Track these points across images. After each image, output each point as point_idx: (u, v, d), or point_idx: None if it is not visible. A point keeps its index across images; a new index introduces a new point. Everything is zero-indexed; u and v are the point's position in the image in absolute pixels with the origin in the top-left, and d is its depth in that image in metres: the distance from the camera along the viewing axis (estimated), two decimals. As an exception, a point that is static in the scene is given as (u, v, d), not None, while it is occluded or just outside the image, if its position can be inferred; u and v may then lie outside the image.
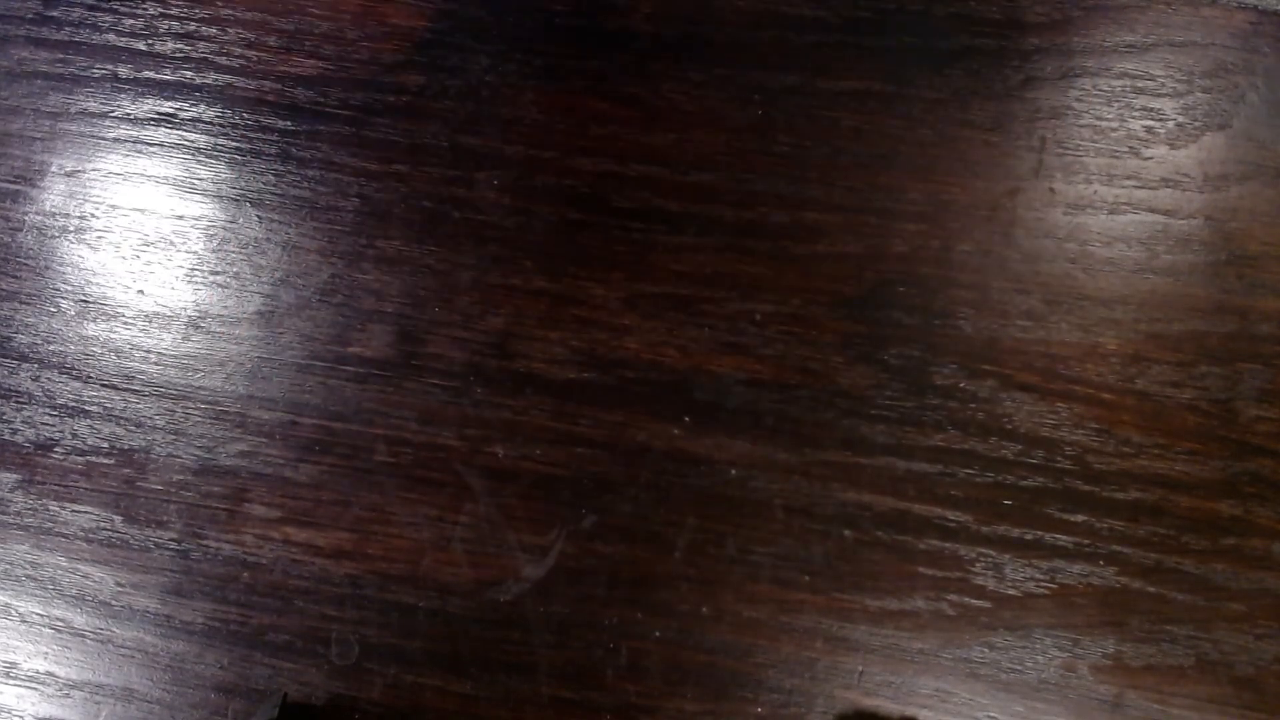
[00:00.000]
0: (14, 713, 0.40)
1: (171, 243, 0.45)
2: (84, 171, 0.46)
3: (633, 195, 0.45)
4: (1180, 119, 0.46)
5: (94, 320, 0.44)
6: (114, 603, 0.40)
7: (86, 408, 0.43)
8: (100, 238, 0.45)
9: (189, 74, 0.47)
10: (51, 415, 0.43)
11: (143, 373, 0.43)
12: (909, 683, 0.40)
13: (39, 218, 0.45)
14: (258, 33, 0.47)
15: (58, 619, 0.40)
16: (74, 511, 0.41)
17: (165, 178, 0.46)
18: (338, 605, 0.40)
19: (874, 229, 0.44)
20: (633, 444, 0.42)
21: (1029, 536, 0.41)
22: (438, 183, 0.45)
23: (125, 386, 0.43)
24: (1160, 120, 0.46)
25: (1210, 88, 0.46)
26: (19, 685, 0.40)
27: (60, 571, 0.41)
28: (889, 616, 0.40)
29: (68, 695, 0.40)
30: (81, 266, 0.45)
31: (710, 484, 0.42)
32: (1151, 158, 0.45)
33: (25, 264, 0.45)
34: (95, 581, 0.41)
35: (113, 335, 0.44)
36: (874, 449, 0.42)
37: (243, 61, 0.47)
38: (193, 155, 0.46)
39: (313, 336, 0.43)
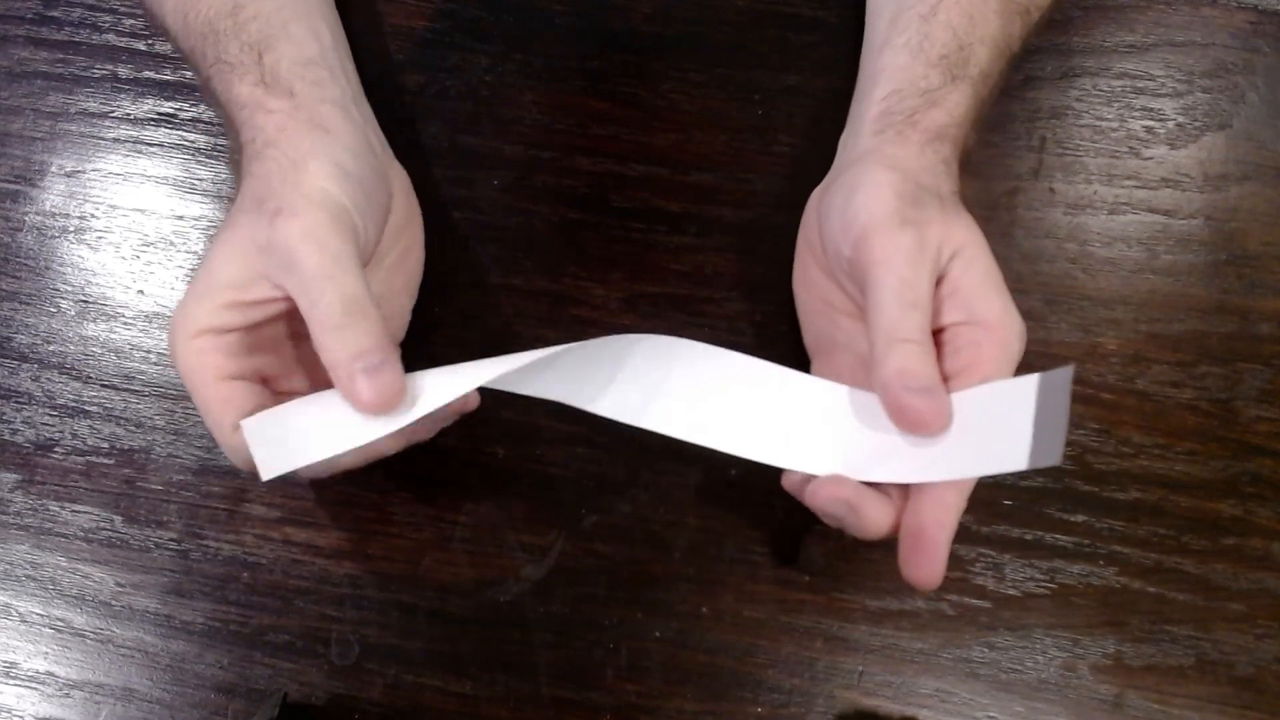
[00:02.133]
0: (14, 713, 0.40)
1: (171, 243, 0.45)
2: (84, 171, 0.46)
3: (633, 195, 0.45)
4: (1180, 119, 0.46)
5: (94, 320, 0.44)
6: (114, 603, 0.40)
7: (86, 408, 0.43)
8: (100, 238, 0.45)
9: (189, 74, 0.47)
10: (51, 415, 0.43)
11: (143, 373, 0.43)
12: (909, 683, 0.40)
13: (39, 218, 0.45)
14: (258, 33, 0.47)
15: (58, 619, 0.40)
16: (74, 511, 0.41)
17: (165, 178, 0.46)
18: (338, 605, 0.40)
19: (874, 229, 0.44)
20: (633, 444, 0.42)
21: (1029, 536, 0.41)
22: (438, 183, 0.45)
23: (125, 386, 0.43)
24: (1160, 120, 0.46)
25: (1210, 88, 0.46)
26: (19, 685, 0.40)
27: (60, 571, 0.41)
28: (889, 616, 0.40)
29: (68, 695, 0.40)
30: (81, 266, 0.45)
31: (710, 484, 0.42)
32: (1151, 158, 0.45)
33: (25, 264, 0.45)
34: (95, 581, 0.41)
35: (113, 335, 0.44)
36: (874, 449, 0.42)
37: (243, 61, 0.47)
38: (193, 155, 0.46)
39: (313, 336, 0.43)
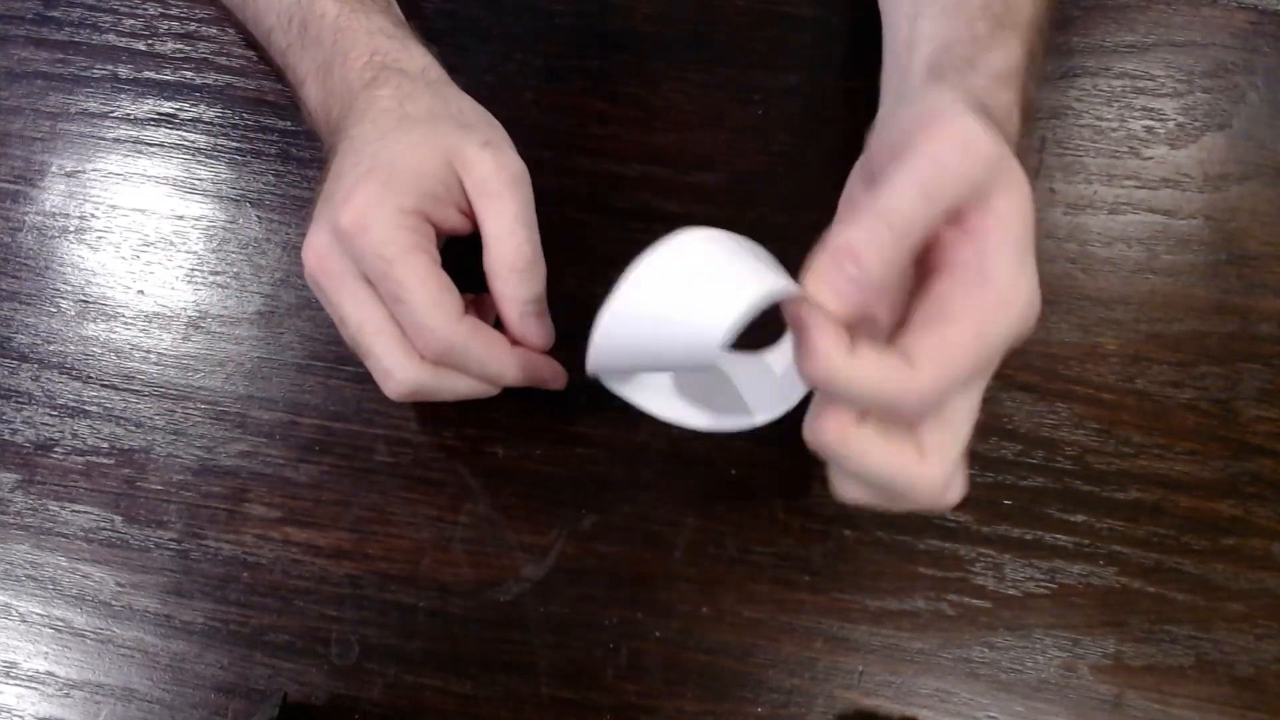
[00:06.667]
0: (14, 713, 0.40)
1: (171, 243, 0.45)
2: (84, 171, 0.46)
3: (633, 195, 0.45)
4: (1180, 119, 0.46)
5: (94, 320, 0.44)
6: (114, 603, 0.40)
7: (86, 408, 0.43)
8: (100, 238, 0.45)
9: (189, 74, 0.47)
10: (51, 415, 0.43)
11: (143, 373, 0.43)
12: (909, 683, 0.40)
13: (39, 218, 0.45)
14: (258, 33, 0.47)
15: (58, 619, 0.40)
16: (74, 511, 0.41)
17: (165, 178, 0.46)
18: (338, 605, 0.40)
19: (874, 229, 0.44)
20: (633, 444, 0.42)
21: (1029, 536, 0.41)
22: (438, 183, 0.45)
23: (125, 386, 0.43)
24: (1160, 120, 0.46)
25: (1210, 88, 0.46)
26: (19, 685, 0.40)
27: (60, 571, 0.41)
28: (889, 616, 0.40)
29: (68, 695, 0.40)
30: (81, 266, 0.45)
31: (710, 484, 0.42)
32: (1151, 158, 0.45)
33: (25, 264, 0.45)
34: (95, 581, 0.41)
35: (113, 335, 0.44)
36: (874, 449, 0.42)
37: (243, 61, 0.47)
38: (193, 155, 0.46)
39: (313, 336, 0.43)
